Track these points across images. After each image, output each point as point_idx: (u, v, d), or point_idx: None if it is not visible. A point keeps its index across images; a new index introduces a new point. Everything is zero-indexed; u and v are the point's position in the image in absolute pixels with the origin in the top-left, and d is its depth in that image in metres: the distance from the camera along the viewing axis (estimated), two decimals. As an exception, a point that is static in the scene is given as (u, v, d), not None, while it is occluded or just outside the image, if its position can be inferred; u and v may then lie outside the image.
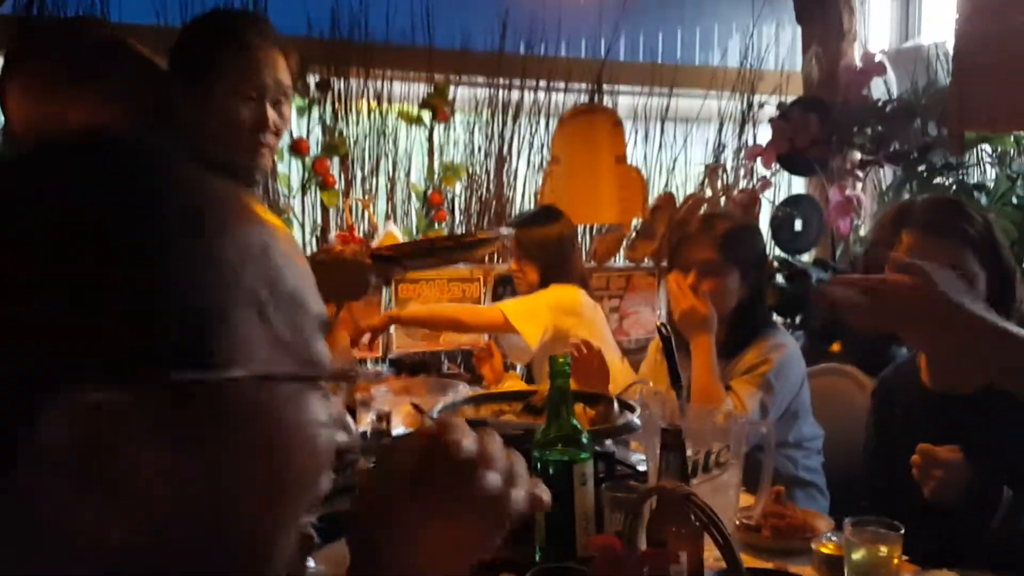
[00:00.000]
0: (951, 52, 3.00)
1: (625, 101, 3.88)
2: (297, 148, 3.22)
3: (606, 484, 1.39)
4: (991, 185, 3.12)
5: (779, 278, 3.48)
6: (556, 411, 1.31)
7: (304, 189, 3.33)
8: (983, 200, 3.01)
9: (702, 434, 1.38)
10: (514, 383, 2.65)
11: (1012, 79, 2.73)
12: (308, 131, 3.32)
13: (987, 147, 3.19)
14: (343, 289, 1.60)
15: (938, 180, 3.24)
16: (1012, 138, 3.14)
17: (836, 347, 3.08)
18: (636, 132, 3.88)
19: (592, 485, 1.31)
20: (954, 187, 3.15)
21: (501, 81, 3.62)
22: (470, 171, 3.60)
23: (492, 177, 3.65)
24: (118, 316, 0.39)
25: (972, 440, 1.49)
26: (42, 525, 0.39)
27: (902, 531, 1.25)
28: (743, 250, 2.06)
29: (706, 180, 3.75)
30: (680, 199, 3.65)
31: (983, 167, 3.30)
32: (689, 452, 1.36)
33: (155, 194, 0.43)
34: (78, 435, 0.39)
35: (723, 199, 3.63)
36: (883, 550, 1.25)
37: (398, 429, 1.91)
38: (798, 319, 3.51)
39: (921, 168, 3.29)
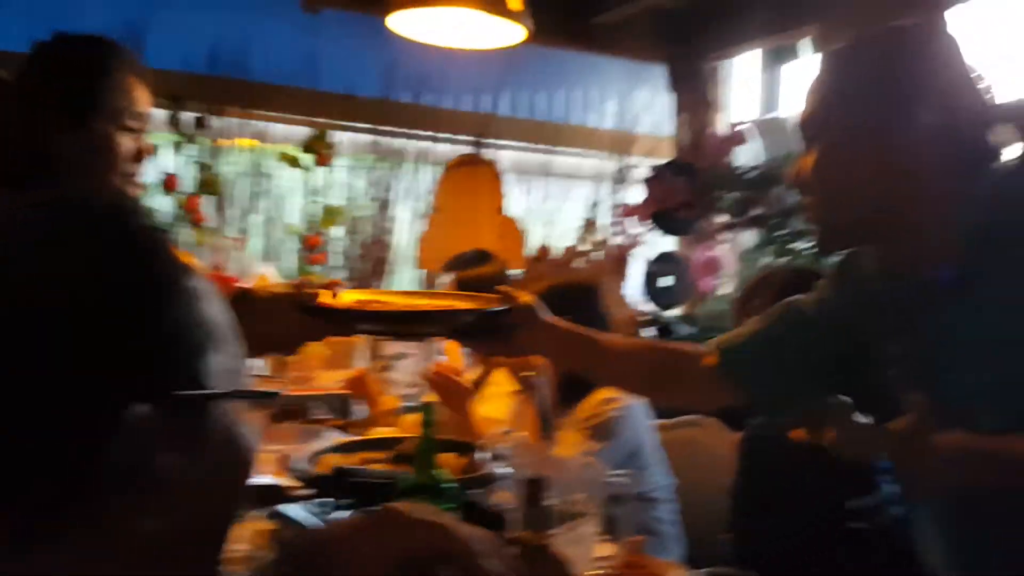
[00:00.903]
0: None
1: (507, 155, 3.98)
2: (167, 185, 3.14)
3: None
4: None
5: (649, 331, 3.61)
6: (423, 460, 1.32)
7: (174, 227, 3.23)
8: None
9: (565, 484, 1.41)
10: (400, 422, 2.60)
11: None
12: (181, 168, 3.24)
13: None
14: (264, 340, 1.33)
15: (795, 244, 3.44)
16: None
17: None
18: (517, 185, 3.98)
19: (455, 535, 1.31)
20: (810, 251, 3.36)
21: (384, 128, 3.65)
22: (351, 215, 3.59)
23: (374, 222, 3.65)
24: (148, 350, 0.50)
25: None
26: (102, 525, 0.48)
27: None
28: (569, 308, 2.11)
29: (582, 234, 3.87)
30: (557, 251, 3.75)
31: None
32: (552, 502, 1.39)
33: (151, 252, 0.53)
34: (128, 444, 0.48)
35: (597, 254, 3.75)
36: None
37: (259, 478, 1.86)
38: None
39: (780, 232, 3.49)
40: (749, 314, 1.69)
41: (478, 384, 2.31)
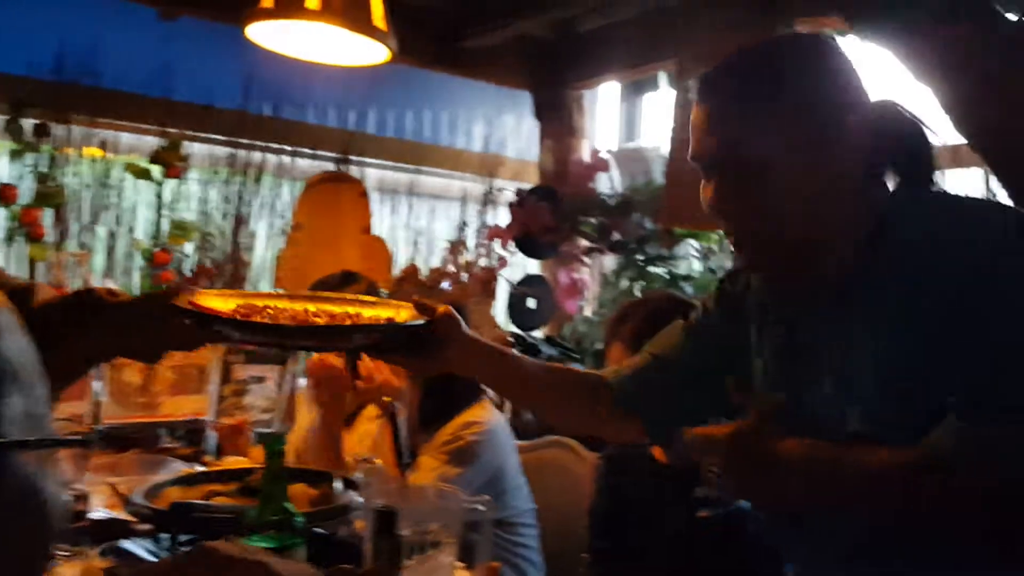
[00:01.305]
0: (666, 155, 3.36)
1: (373, 173, 3.92)
2: (3, 195, 2.92)
3: (324, 570, 1.34)
4: (696, 277, 3.48)
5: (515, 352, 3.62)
6: (269, 493, 1.26)
7: (9, 240, 3.01)
8: (689, 289, 3.33)
9: (420, 513, 1.38)
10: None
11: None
12: (18, 178, 3.02)
13: (694, 242, 3.55)
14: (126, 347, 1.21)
15: (652, 269, 3.55)
16: (715, 236, 3.53)
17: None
18: (383, 204, 3.93)
19: (304, 570, 1.26)
20: (668, 275, 3.47)
21: (243, 141, 3.53)
22: (204, 231, 3.44)
23: (228, 239, 3.51)
24: None
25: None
26: None
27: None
28: None
29: (449, 255, 3.86)
30: (425, 272, 3.72)
31: (690, 260, 3.66)
32: (407, 532, 1.35)
33: None
34: None
35: (464, 275, 3.75)
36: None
37: (97, 512, 1.74)
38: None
39: (638, 257, 3.59)
40: (620, 337, 1.74)
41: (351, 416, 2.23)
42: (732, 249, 1.11)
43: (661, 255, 3.58)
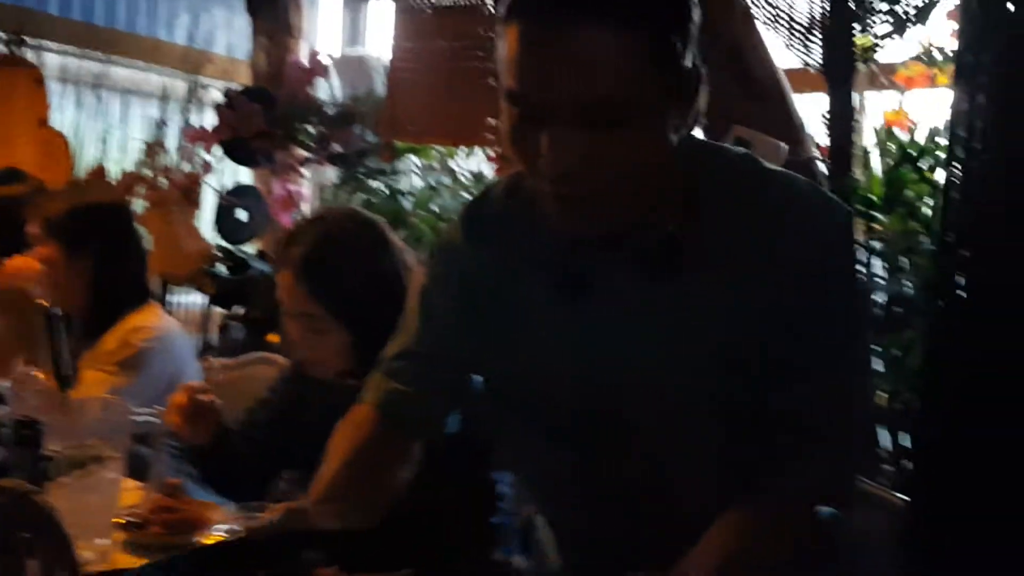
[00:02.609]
0: (388, 64, 3.23)
1: (53, 59, 3.43)
2: None
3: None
4: (417, 193, 3.42)
5: (220, 268, 3.38)
6: None
7: None
8: (408, 205, 3.27)
9: (76, 426, 1.21)
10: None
11: (435, 97, 3.02)
12: None
13: (415, 157, 3.48)
14: None
15: (373, 183, 3.44)
16: (435, 152, 3.49)
17: (274, 337, 3.08)
18: (64, 96, 3.45)
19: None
20: (387, 190, 3.38)
21: None
22: None
23: None
24: None
25: None
26: None
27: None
28: (93, 232, 1.90)
29: (145, 158, 3.48)
30: (116, 174, 3.34)
31: (412, 176, 3.60)
32: (59, 447, 1.18)
33: None
34: None
35: (162, 180, 3.41)
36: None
37: None
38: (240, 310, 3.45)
39: (359, 171, 3.47)
40: (289, 263, 1.45)
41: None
42: (558, 211, 0.88)
43: (382, 169, 3.48)
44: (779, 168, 0.98)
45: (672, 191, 0.92)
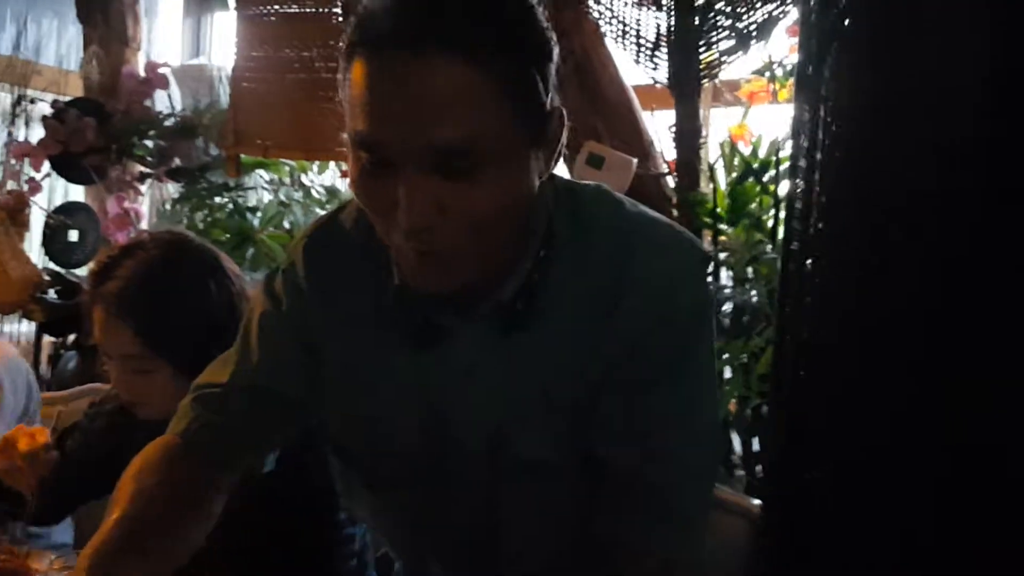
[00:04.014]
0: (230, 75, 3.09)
1: None
2: None
3: None
4: (265, 209, 3.28)
5: (51, 293, 3.14)
6: None
7: None
8: (256, 222, 3.14)
9: None
10: None
11: (283, 109, 2.91)
12: None
13: (263, 172, 3.35)
14: None
15: (217, 199, 3.29)
16: (286, 167, 3.37)
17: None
18: None
19: None
20: (230, 206, 3.23)
21: None
22: None
23: None
24: None
25: None
26: None
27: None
28: None
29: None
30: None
31: (260, 191, 3.46)
32: None
33: None
34: None
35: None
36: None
37: None
38: (71, 338, 3.22)
39: (201, 186, 3.30)
40: (102, 299, 1.29)
41: None
42: (413, 267, 0.81)
43: (227, 184, 3.33)
44: (636, 210, 0.92)
45: (533, 239, 0.87)
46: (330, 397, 0.96)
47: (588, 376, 0.87)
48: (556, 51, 0.81)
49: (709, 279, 1.11)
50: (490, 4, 0.75)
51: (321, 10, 2.81)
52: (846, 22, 0.78)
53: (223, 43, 3.86)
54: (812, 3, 0.84)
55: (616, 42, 2.29)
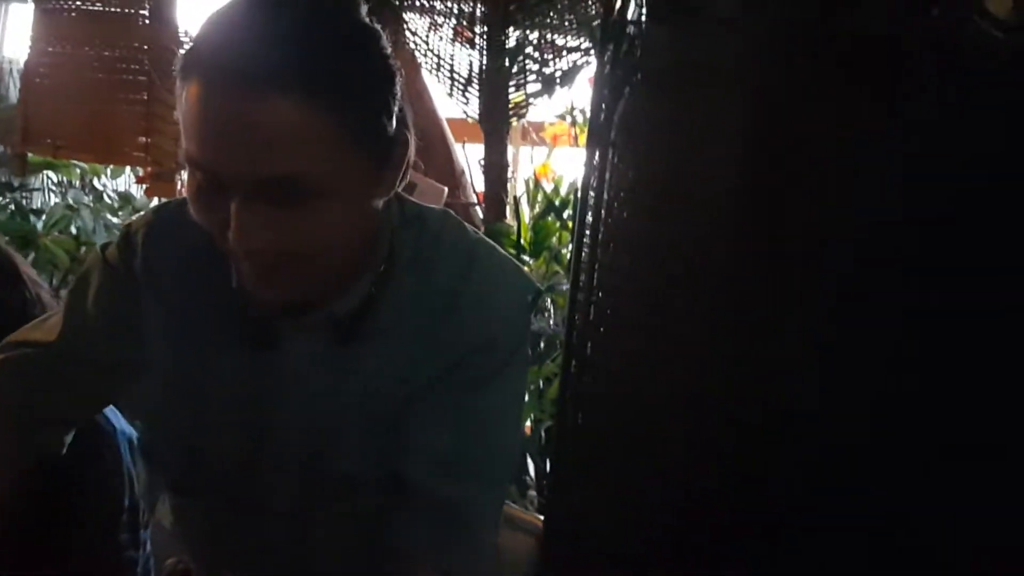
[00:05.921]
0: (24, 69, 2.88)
1: None
2: None
3: None
4: (51, 212, 3.07)
5: None
6: None
7: None
8: (39, 226, 2.93)
9: None
10: None
11: (78, 108, 2.74)
12: None
13: (51, 173, 3.14)
14: None
15: (-1, 200, 3.04)
16: (77, 169, 3.17)
17: None
18: None
19: None
20: (12, 207, 3.00)
21: None
22: None
23: None
24: None
25: None
26: None
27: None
28: None
29: None
30: None
31: (47, 193, 3.24)
32: None
33: None
34: None
35: None
36: None
37: None
38: None
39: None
40: None
41: None
42: (249, 281, 0.80)
43: (10, 184, 3.09)
44: (477, 237, 0.94)
45: (372, 258, 0.88)
46: (150, 391, 0.93)
47: (408, 392, 0.88)
48: (399, 78, 0.80)
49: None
50: (327, 40, 0.74)
51: (127, 10, 2.68)
52: (637, 76, 0.86)
53: (18, 35, 3.58)
54: (606, 56, 0.93)
55: (431, 73, 2.36)
